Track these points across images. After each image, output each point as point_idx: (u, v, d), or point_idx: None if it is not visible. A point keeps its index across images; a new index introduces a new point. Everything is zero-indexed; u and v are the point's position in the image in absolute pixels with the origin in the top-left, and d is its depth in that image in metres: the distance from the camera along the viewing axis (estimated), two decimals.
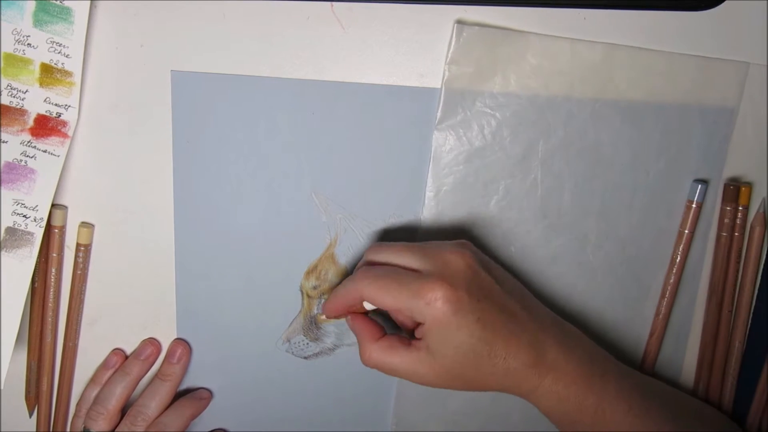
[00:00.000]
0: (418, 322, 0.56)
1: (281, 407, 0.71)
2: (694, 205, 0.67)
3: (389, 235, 0.66)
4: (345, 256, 0.66)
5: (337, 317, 0.63)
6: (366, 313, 0.61)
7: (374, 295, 0.56)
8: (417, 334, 0.57)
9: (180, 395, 0.68)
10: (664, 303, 0.70)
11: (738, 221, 0.68)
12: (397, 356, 0.57)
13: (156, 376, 0.67)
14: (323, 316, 0.67)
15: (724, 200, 0.68)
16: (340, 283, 0.61)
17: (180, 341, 0.68)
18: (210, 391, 0.69)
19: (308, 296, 0.67)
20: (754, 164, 0.68)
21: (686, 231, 0.68)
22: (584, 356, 0.60)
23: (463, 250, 0.57)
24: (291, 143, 0.63)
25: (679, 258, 0.68)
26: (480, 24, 0.61)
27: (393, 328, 0.64)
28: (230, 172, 0.63)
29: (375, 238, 0.66)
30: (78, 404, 0.66)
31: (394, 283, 0.55)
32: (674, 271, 0.69)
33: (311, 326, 0.68)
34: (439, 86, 0.62)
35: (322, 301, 0.67)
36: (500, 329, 0.55)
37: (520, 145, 0.64)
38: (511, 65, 0.61)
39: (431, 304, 0.54)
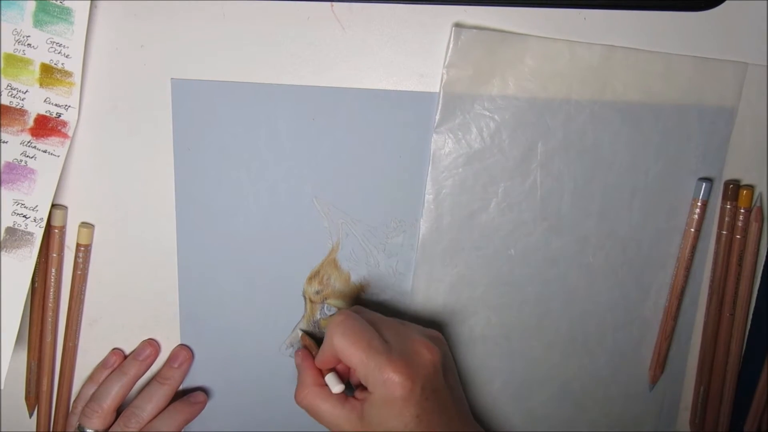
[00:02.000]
0: (368, 388, 0.57)
1: (283, 410, 0.71)
2: (699, 203, 0.67)
3: (391, 240, 0.66)
4: (347, 260, 0.66)
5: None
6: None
7: (342, 348, 0.57)
8: (357, 394, 0.60)
9: (177, 396, 0.68)
10: (674, 302, 0.70)
11: (739, 223, 0.68)
12: (330, 406, 0.59)
13: (154, 378, 0.67)
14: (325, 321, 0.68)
15: (724, 198, 0.68)
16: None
17: (183, 347, 0.68)
18: (206, 394, 0.69)
19: (311, 301, 0.67)
20: (754, 164, 0.68)
21: (692, 229, 0.68)
22: None
23: (434, 347, 0.59)
24: (291, 149, 0.63)
25: (686, 257, 0.68)
26: (478, 27, 0.61)
27: None
28: (232, 179, 0.63)
29: (376, 242, 0.66)
30: (75, 402, 0.67)
31: (364, 344, 0.57)
32: (682, 270, 0.69)
33: (314, 331, 0.68)
34: (438, 89, 0.62)
35: (325, 306, 0.67)
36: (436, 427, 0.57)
37: (519, 148, 0.64)
38: (510, 68, 0.61)
39: (386, 383, 0.55)
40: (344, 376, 0.62)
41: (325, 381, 0.61)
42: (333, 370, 0.61)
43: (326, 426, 0.60)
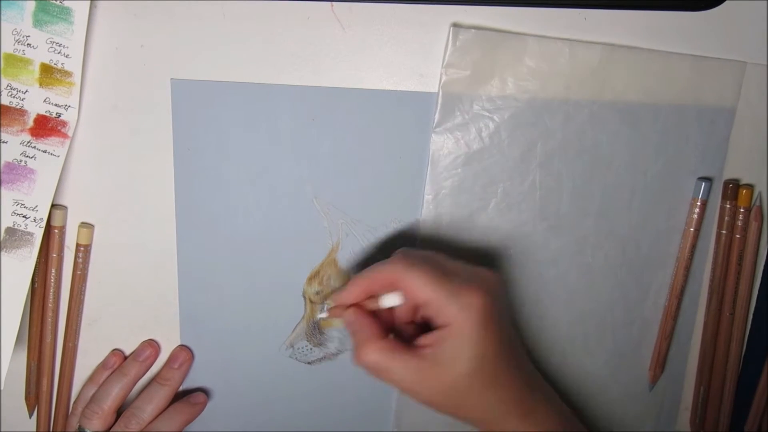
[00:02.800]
0: (437, 324, 0.54)
1: (283, 410, 0.71)
2: (698, 203, 0.67)
3: (391, 240, 0.66)
4: (347, 261, 0.67)
5: (350, 305, 0.58)
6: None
7: (411, 282, 0.54)
8: (424, 341, 0.55)
9: (177, 397, 0.68)
10: (674, 302, 0.70)
11: (739, 223, 0.68)
12: (399, 361, 0.54)
13: (154, 379, 0.67)
14: (324, 314, 0.65)
15: (724, 198, 0.68)
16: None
17: (183, 348, 0.68)
18: (206, 395, 0.69)
19: (311, 301, 0.67)
20: (753, 164, 0.68)
21: (692, 229, 0.68)
22: (563, 415, 0.59)
23: (497, 273, 0.57)
24: (291, 149, 0.63)
25: (686, 256, 0.69)
26: (477, 26, 0.61)
27: None
28: (231, 179, 0.63)
29: (377, 243, 0.66)
30: (75, 403, 0.67)
31: (435, 274, 0.54)
32: (681, 270, 0.69)
33: (314, 331, 0.68)
34: (437, 89, 0.62)
35: (325, 306, 0.67)
36: (509, 359, 0.55)
37: (518, 148, 0.64)
38: (508, 68, 0.62)
39: (465, 309, 0.53)
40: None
41: (387, 335, 0.56)
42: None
43: (397, 384, 0.55)
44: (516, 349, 0.57)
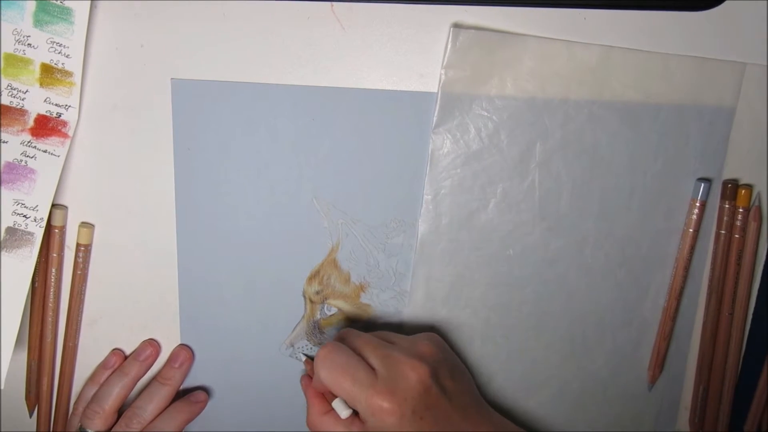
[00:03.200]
0: None
1: (283, 410, 0.71)
2: (698, 204, 0.67)
3: (390, 240, 0.66)
4: (347, 261, 0.67)
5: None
6: None
7: (328, 384, 0.58)
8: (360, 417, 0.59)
9: (178, 396, 0.68)
10: (673, 302, 0.70)
11: (738, 223, 0.68)
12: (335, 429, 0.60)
13: (155, 378, 0.67)
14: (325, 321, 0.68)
15: (723, 198, 0.68)
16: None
17: (184, 347, 0.68)
18: (207, 393, 0.69)
19: (311, 301, 0.67)
20: (753, 164, 0.68)
21: (690, 230, 0.68)
22: None
23: (420, 365, 0.58)
24: (291, 149, 0.63)
25: (685, 257, 0.68)
26: (477, 27, 0.61)
27: None
28: (231, 179, 0.63)
29: (376, 243, 0.66)
30: (76, 403, 0.67)
31: (348, 379, 0.57)
32: (680, 271, 0.69)
33: (314, 331, 0.68)
34: (437, 89, 0.62)
35: (325, 306, 0.68)
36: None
37: (517, 148, 0.64)
38: (508, 68, 0.62)
39: (375, 415, 0.56)
40: None
41: (332, 407, 0.61)
42: None
43: None
44: (452, 425, 0.59)
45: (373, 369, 0.58)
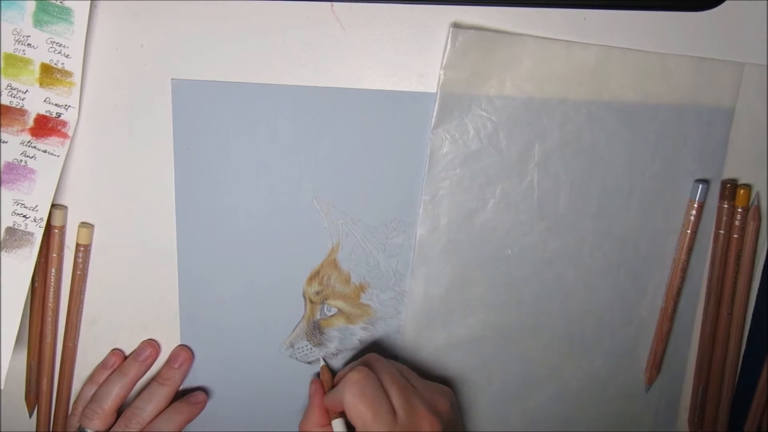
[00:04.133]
0: None
1: (283, 410, 0.71)
2: (696, 205, 0.67)
3: (390, 240, 0.66)
4: (347, 261, 0.67)
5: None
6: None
7: (351, 410, 0.58)
8: None
9: (177, 396, 0.68)
10: (670, 303, 0.70)
11: (737, 223, 0.68)
12: None
13: (155, 379, 0.67)
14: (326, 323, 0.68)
15: (722, 198, 0.68)
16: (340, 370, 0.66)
17: (183, 347, 0.68)
18: (206, 394, 0.69)
19: (311, 302, 0.68)
20: (752, 164, 0.68)
21: (689, 231, 0.68)
22: None
23: (437, 422, 0.59)
24: (291, 149, 0.63)
25: (683, 258, 0.69)
26: (476, 27, 0.61)
27: None
28: (231, 179, 0.63)
29: (376, 243, 0.66)
30: (75, 403, 0.67)
31: (371, 413, 0.57)
32: (678, 272, 0.69)
33: (314, 331, 0.68)
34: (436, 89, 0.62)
35: (325, 306, 0.68)
36: None
37: (516, 148, 0.64)
38: (507, 68, 0.62)
39: None
40: None
41: (330, 423, 0.62)
42: (342, 414, 0.62)
43: None
44: None
45: (394, 411, 0.58)
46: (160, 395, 0.66)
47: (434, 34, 0.61)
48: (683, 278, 0.69)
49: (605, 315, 0.70)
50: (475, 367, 0.70)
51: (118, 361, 0.67)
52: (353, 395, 0.58)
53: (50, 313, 0.64)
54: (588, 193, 0.66)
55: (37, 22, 0.56)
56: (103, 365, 0.67)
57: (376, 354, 0.65)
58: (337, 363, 0.70)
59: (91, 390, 0.66)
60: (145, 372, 0.68)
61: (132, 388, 0.67)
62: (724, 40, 0.64)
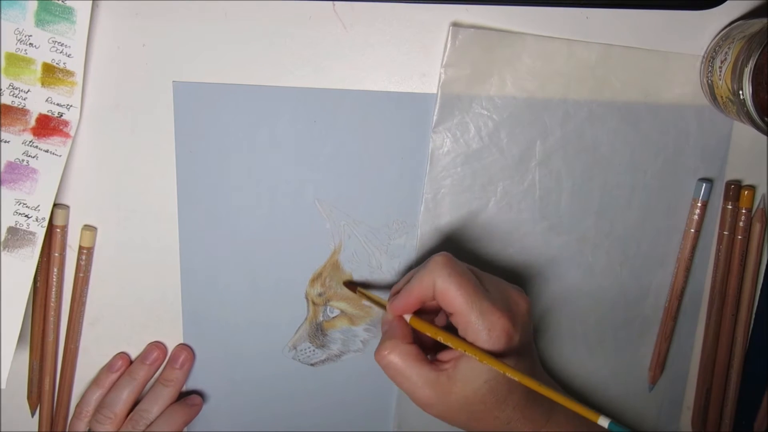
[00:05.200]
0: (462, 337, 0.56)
1: (285, 410, 0.71)
2: (699, 204, 0.67)
3: (393, 241, 0.66)
4: (349, 262, 0.67)
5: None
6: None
7: (446, 290, 0.55)
8: (444, 356, 0.57)
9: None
10: (674, 303, 0.70)
11: (741, 224, 0.68)
12: (416, 369, 0.56)
13: (158, 380, 0.67)
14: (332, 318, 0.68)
15: (726, 199, 0.68)
16: (402, 277, 0.61)
17: (184, 347, 0.68)
18: (205, 396, 0.69)
19: (314, 303, 0.68)
20: (755, 165, 0.68)
21: (692, 230, 0.68)
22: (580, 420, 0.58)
23: (525, 296, 0.58)
24: (293, 151, 0.63)
25: (686, 257, 0.68)
26: (477, 26, 0.61)
27: None
28: (233, 181, 0.63)
29: (379, 244, 0.66)
30: (78, 405, 0.66)
31: (469, 290, 0.55)
32: (681, 271, 0.69)
33: (317, 333, 0.68)
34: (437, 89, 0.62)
35: (328, 308, 0.68)
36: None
37: (517, 147, 0.64)
38: (508, 67, 0.62)
39: (490, 331, 0.54)
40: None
41: (413, 342, 0.57)
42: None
43: (407, 391, 0.56)
44: (532, 365, 0.59)
45: (486, 288, 0.56)
46: (165, 396, 0.66)
47: (437, 33, 0.61)
48: (687, 278, 0.69)
49: (608, 314, 0.70)
50: None
51: (124, 364, 0.67)
52: (447, 276, 0.55)
53: (52, 313, 0.64)
54: (590, 192, 0.66)
55: (39, 22, 0.56)
56: (108, 368, 0.67)
57: (444, 252, 0.60)
58: (338, 364, 0.70)
59: (95, 392, 0.66)
60: (153, 374, 0.68)
61: (141, 392, 0.67)
62: None
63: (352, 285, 0.67)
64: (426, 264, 0.57)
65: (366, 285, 0.67)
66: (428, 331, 0.57)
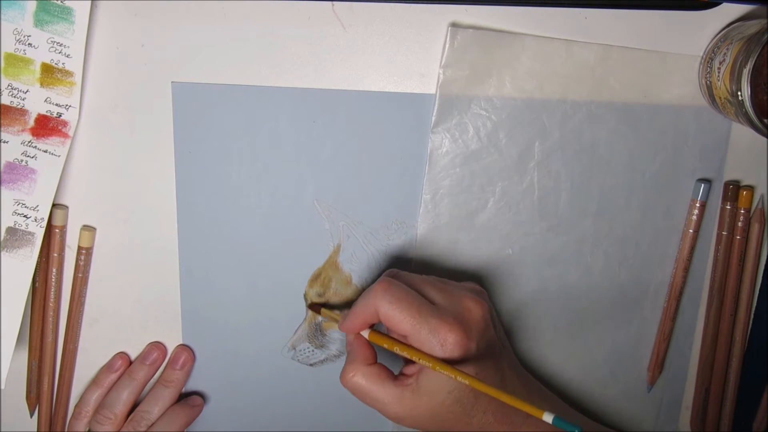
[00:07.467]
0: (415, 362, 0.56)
1: (284, 411, 0.71)
2: (698, 204, 0.67)
3: (392, 242, 0.66)
4: (349, 263, 0.67)
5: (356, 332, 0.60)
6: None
7: (391, 316, 0.55)
8: (407, 370, 0.57)
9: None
10: (672, 303, 0.70)
11: (740, 224, 0.68)
12: (380, 387, 0.56)
13: (159, 381, 0.67)
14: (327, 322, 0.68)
15: (724, 199, 0.68)
16: (355, 299, 0.61)
17: (184, 347, 0.68)
18: (203, 398, 0.69)
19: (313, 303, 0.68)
20: (754, 165, 0.68)
21: (691, 230, 0.68)
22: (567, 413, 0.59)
23: (481, 300, 0.57)
24: (293, 151, 0.63)
25: (685, 257, 0.68)
26: (475, 26, 0.61)
27: None
28: (233, 181, 0.63)
29: (378, 244, 0.66)
30: (77, 406, 0.66)
31: (414, 310, 0.55)
32: (680, 271, 0.69)
33: (316, 333, 0.68)
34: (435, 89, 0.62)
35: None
36: (492, 380, 0.56)
37: (516, 147, 0.64)
38: (506, 67, 0.62)
39: (443, 345, 0.54)
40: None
41: (375, 362, 0.58)
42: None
43: (377, 408, 0.57)
44: (500, 368, 0.59)
45: (434, 303, 0.56)
46: (165, 397, 0.66)
47: (435, 33, 0.61)
48: (685, 278, 0.69)
49: (606, 314, 0.70)
50: None
51: (123, 364, 0.67)
52: (388, 303, 0.55)
53: (51, 313, 0.64)
54: (588, 192, 0.66)
55: (38, 22, 0.56)
56: (108, 368, 0.67)
57: (396, 269, 0.62)
58: (337, 364, 0.70)
59: (94, 393, 0.66)
60: (153, 374, 0.68)
61: (141, 392, 0.67)
62: None
63: (316, 306, 0.67)
64: (368, 291, 0.57)
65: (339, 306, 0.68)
66: (385, 343, 0.57)
